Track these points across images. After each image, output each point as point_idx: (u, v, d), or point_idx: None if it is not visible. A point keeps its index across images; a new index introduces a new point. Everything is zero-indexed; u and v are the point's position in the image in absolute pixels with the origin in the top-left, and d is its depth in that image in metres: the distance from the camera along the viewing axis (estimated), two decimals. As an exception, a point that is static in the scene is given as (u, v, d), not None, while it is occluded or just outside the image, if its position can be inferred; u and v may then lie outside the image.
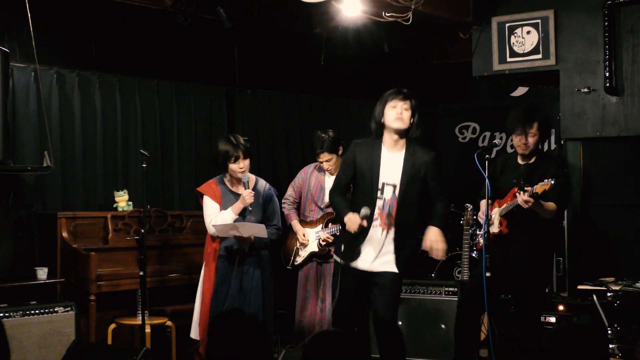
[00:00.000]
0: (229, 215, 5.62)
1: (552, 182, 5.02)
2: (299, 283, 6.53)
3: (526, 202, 5.13)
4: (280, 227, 5.81)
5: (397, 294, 5.14)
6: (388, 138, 5.05)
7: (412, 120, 5.02)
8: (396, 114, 4.97)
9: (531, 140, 5.36)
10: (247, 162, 5.63)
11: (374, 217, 5.01)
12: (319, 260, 6.42)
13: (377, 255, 5.04)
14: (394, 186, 5.01)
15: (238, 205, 5.61)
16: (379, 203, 5.01)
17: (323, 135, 6.37)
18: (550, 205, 5.26)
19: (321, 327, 6.30)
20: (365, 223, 4.90)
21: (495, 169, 5.55)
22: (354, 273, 5.05)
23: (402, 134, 5.03)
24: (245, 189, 5.61)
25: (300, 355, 5.37)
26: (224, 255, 5.68)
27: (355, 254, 5.03)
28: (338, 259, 5.15)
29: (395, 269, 5.03)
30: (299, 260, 6.44)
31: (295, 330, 6.54)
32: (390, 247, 5.03)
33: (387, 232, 5.02)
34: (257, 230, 5.57)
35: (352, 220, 4.90)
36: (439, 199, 5.10)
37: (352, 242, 5.03)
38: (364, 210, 4.89)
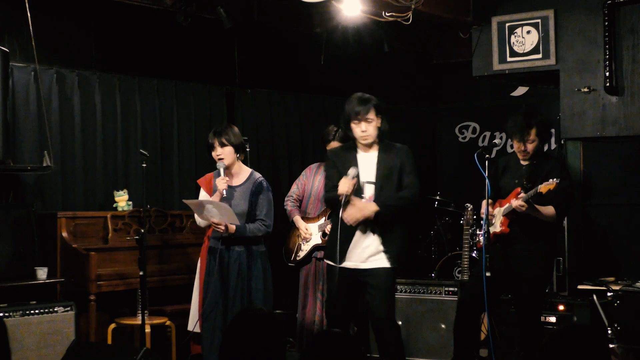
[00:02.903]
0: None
1: (557, 181, 5.03)
2: (300, 282, 6.53)
3: (521, 206, 5.15)
4: (269, 224, 5.60)
5: (390, 289, 5.14)
6: (360, 144, 5.12)
7: (378, 127, 5.07)
8: (360, 132, 5.04)
9: (530, 146, 5.36)
10: (225, 150, 5.57)
11: None
12: (319, 256, 6.42)
13: (365, 253, 5.05)
14: (373, 183, 5.06)
15: (216, 194, 5.59)
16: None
17: (336, 127, 6.39)
18: (549, 209, 5.26)
19: (321, 324, 6.30)
20: (355, 181, 4.95)
21: (497, 169, 5.56)
22: (344, 272, 5.05)
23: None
24: (220, 175, 5.57)
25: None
26: (210, 249, 5.66)
27: (343, 253, 5.05)
28: (330, 262, 5.17)
29: (386, 264, 5.03)
30: (301, 254, 6.44)
31: (297, 330, 6.55)
32: (377, 243, 5.04)
33: (372, 230, 5.04)
34: (226, 212, 5.44)
35: (343, 183, 4.94)
36: (406, 188, 5.08)
37: (339, 242, 5.04)
38: (352, 171, 4.96)
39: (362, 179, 5.06)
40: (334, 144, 6.32)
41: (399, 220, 5.09)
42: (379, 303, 5.06)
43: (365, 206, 4.98)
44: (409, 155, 5.14)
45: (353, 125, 5.05)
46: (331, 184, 5.16)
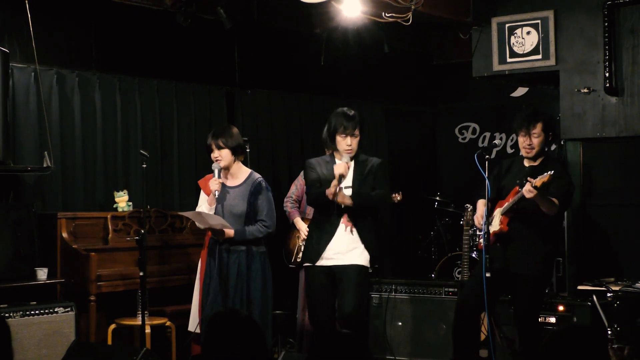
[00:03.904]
0: (205, 206, 5.66)
1: (552, 172, 5.04)
2: (300, 283, 6.53)
3: (529, 191, 5.14)
4: (269, 224, 5.62)
5: (362, 287, 5.33)
6: (340, 155, 5.36)
7: (360, 140, 5.33)
8: (346, 145, 5.29)
9: (535, 141, 5.36)
10: (222, 152, 5.60)
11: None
12: None
13: (343, 250, 5.27)
14: (350, 187, 5.30)
15: (210, 195, 5.61)
16: (340, 206, 5.28)
17: None
18: (553, 199, 5.26)
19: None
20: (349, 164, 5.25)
21: (501, 171, 5.56)
22: (320, 272, 5.30)
23: None
24: (214, 177, 5.61)
25: (302, 356, 5.40)
26: (210, 250, 5.67)
27: (321, 253, 5.29)
28: (307, 263, 5.40)
29: (360, 262, 5.27)
30: (302, 256, 6.43)
31: (297, 330, 6.55)
32: (355, 242, 5.28)
33: (350, 229, 5.29)
34: (217, 221, 5.50)
35: (339, 166, 5.21)
36: (379, 189, 5.36)
37: (318, 242, 5.31)
38: (346, 157, 5.26)
39: (341, 184, 5.26)
40: None
41: (375, 221, 5.37)
42: (348, 298, 5.21)
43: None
44: (382, 167, 5.42)
45: (339, 138, 5.29)
46: (317, 184, 5.36)
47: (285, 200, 6.63)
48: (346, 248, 5.26)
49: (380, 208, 5.43)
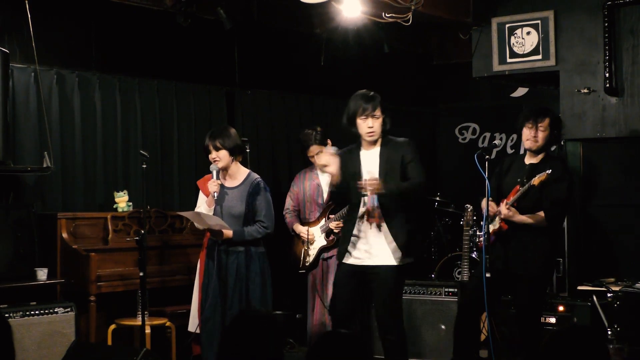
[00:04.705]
0: (204, 207, 5.67)
1: (549, 172, 5.04)
2: (308, 285, 6.55)
3: (507, 210, 5.20)
4: (268, 225, 5.60)
5: (396, 287, 5.12)
6: (364, 142, 5.16)
7: (383, 123, 5.10)
8: (367, 128, 5.07)
9: (541, 134, 5.36)
10: (220, 153, 5.59)
11: (360, 212, 5.08)
12: (326, 255, 6.43)
13: (371, 249, 5.07)
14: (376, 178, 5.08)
15: (209, 197, 5.61)
16: (365, 199, 5.07)
17: (311, 130, 6.52)
18: (538, 216, 5.27)
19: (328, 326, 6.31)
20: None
21: (502, 169, 5.56)
22: (349, 270, 5.11)
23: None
24: (212, 178, 5.60)
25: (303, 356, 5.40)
26: (209, 251, 5.67)
27: (349, 251, 5.11)
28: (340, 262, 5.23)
29: (392, 262, 5.04)
30: (309, 259, 6.45)
31: (308, 332, 6.57)
32: (383, 239, 5.05)
33: (378, 225, 5.05)
34: (216, 222, 5.50)
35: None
36: (413, 178, 5.09)
37: (345, 239, 5.13)
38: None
39: (366, 176, 5.07)
40: (315, 148, 6.40)
41: (406, 217, 5.09)
42: (384, 301, 5.07)
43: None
44: (410, 146, 5.16)
45: (360, 122, 5.07)
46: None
47: (284, 212, 6.70)
48: (375, 247, 5.05)
49: (413, 198, 5.12)
